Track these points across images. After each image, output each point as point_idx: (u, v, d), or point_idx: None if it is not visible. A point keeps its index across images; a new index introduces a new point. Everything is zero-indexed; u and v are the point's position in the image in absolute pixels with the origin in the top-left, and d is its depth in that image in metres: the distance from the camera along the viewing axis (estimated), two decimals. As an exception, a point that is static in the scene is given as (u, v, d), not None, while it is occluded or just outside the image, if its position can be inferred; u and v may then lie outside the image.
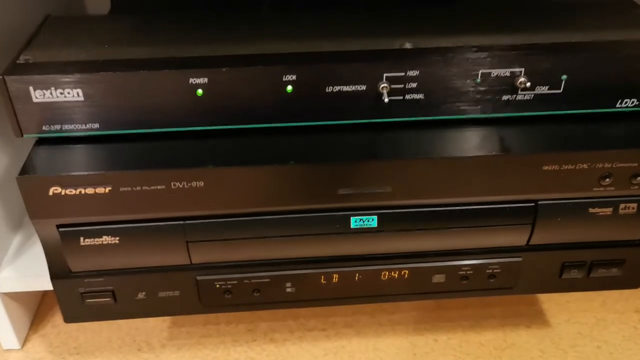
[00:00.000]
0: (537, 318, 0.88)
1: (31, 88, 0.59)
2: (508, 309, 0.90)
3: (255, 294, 0.69)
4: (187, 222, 0.63)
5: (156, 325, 0.87)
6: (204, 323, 0.87)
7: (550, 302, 0.91)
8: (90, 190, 0.59)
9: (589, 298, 0.91)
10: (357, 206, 0.64)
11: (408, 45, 0.63)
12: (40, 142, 0.62)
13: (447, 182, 0.63)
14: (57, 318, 0.89)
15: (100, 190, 0.59)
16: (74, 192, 0.59)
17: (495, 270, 0.69)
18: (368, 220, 0.64)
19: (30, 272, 0.78)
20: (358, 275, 0.70)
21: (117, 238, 0.63)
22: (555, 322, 0.87)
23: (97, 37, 0.66)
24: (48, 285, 0.78)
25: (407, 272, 0.70)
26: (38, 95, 0.59)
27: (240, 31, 0.67)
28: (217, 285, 0.68)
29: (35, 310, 0.89)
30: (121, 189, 0.59)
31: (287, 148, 0.62)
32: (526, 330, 0.86)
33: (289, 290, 0.69)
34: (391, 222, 0.65)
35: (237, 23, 0.69)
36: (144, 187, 0.60)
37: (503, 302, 0.90)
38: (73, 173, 0.59)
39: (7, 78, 0.58)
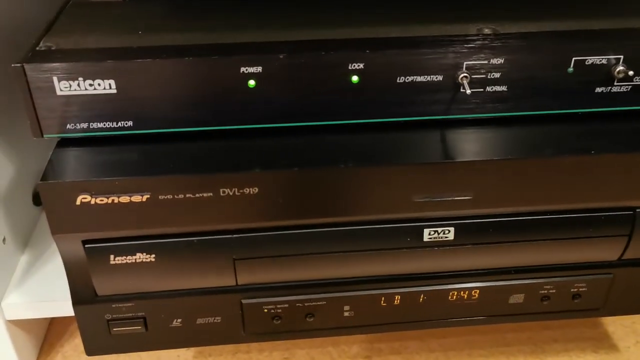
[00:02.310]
0: (604, 342, 0.80)
1: (55, 78, 0.50)
2: (570, 332, 0.81)
3: (308, 319, 0.60)
4: (235, 236, 0.54)
5: (180, 354, 0.78)
6: (233, 352, 0.78)
7: (615, 324, 0.83)
8: (125, 199, 0.50)
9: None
10: (432, 216, 0.55)
11: (487, 31, 0.55)
12: (63, 142, 0.53)
13: (534, 187, 0.54)
14: (68, 348, 0.79)
15: (136, 198, 0.50)
16: (105, 200, 0.50)
17: (581, 289, 0.61)
18: (444, 232, 0.56)
19: (39, 297, 0.71)
20: (423, 297, 0.61)
21: (153, 255, 0.54)
22: (623, 346, 0.79)
23: (127, 22, 0.57)
24: (59, 312, 0.70)
25: (477, 292, 0.61)
26: (63, 87, 0.50)
27: (295, 15, 0.58)
28: (265, 310, 0.59)
29: (42, 339, 0.80)
30: (161, 197, 0.51)
31: (353, 148, 0.53)
32: (594, 355, 0.78)
33: (347, 314, 0.60)
34: (470, 234, 0.56)
35: (290, 5, 0.60)
36: (187, 195, 0.51)
37: (563, 324, 0.82)
38: (105, 178, 0.49)
39: (26, 66, 0.49)
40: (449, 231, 0.56)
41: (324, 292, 0.59)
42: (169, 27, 0.56)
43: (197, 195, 0.51)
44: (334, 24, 0.56)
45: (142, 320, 0.58)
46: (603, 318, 0.83)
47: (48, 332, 0.81)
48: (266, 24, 0.56)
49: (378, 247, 0.56)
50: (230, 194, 0.51)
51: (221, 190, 0.51)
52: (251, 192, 0.51)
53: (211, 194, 0.51)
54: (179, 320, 0.58)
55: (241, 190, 0.51)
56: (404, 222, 0.55)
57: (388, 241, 0.56)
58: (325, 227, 0.54)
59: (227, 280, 0.56)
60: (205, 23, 0.57)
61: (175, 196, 0.51)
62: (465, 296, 0.61)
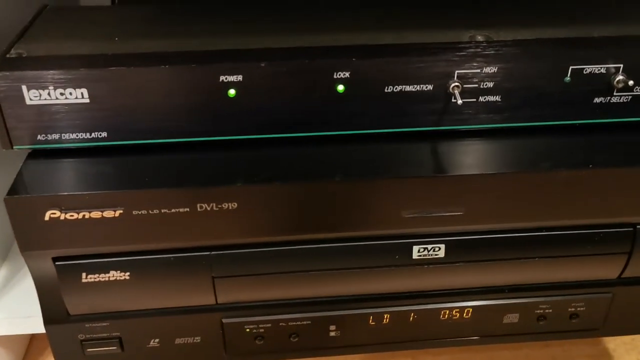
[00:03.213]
0: (604, 359, 0.77)
1: (24, 87, 0.47)
2: (569, 349, 0.79)
3: (292, 339, 0.57)
4: (214, 253, 0.51)
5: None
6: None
7: (615, 340, 0.80)
8: (96, 214, 0.47)
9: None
10: (422, 232, 0.52)
11: (480, 38, 0.52)
12: (35, 154, 0.51)
13: (529, 202, 0.52)
14: (48, 365, 0.77)
15: (108, 213, 0.48)
16: (75, 216, 0.47)
17: (579, 309, 0.58)
18: (434, 249, 0.53)
19: (18, 313, 0.67)
20: (413, 316, 0.58)
21: (128, 273, 0.51)
22: (624, 365, 0.76)
23: (104, 29, 0.55)
24: (38, 328, 0.67)
25: (470, 311, 0.58)
26: (33, 97, 0.48)
27: (278, 21, 0.56)
28: (247, 329, 0.56)
29: (23, 356, 0.77)
30: (135, 213, 0.48)
31: (338, 161, 0.51)
32: (594, 374, 0.75)
33: (332, 334, 0.57)
34: (461, 252, 0.54)
35: (273, 11, 0.58)
36: (163, 210, 0.48)
37: (563, 342, 0.79)
38: (75, 192, 0.47)
39: (-6, 74, 0.46)
40: (440, 248, 0.53)
41: (309, 312, 0.56)
42: (146, 34, 0.54)
43: (173, 210, 0.48)
44: (319, 31, 0.53)
45: (117, 340, 0.55)
46: (603, 335, 0.80)
47: (29, 348, 0.79)
48: (248, 31, 0.54)
49: (364, 265, 0.53)
50: (208, 209, 0.48)
51: (198, 205, 0.48)
52: (230, 208, 0.49)
53: (188, 209, 0.48)
54: (157, 340, 0.56)
55: (219, 206, 0.48)
56: (392, 238, 0.52)
57: (375, 259, 0.53)
58: (309, 243, 0.52)
59: (207, 299, 0.54)
60: (185, 29, 0.54)
61: (150, 211, 0.48)
62: (457, 316, 0.58)
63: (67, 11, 0.59)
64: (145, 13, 0.58)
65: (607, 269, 0.56)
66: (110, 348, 0.55)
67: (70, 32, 0.54)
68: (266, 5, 0.59)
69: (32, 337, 0.80)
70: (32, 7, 0.58)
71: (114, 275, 0.51)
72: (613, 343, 0.79)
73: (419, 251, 0.53)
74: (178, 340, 0.56)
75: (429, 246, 0.53)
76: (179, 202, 0.48)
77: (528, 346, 0.79)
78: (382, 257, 0.53)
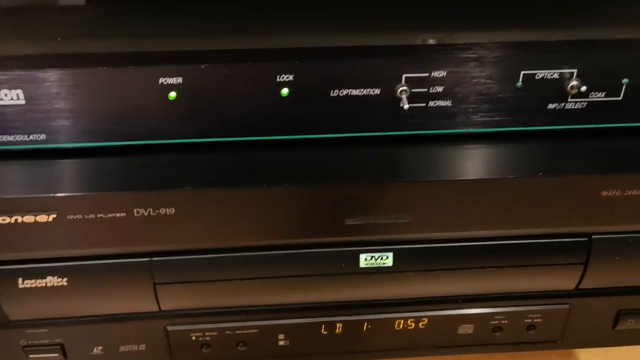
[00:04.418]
0: (575, 371, 0.75)
1: (-45, 88, 0.46)
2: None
3: (240, 347, 0.56)
4: (154, 259, 0.50)
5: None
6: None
7: (588, 352, 0.78)
8: (29, 218, 0.46)
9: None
10: (368, 240, 0.51)
11: (432, 41, 0.51)
12: (-29, 157, 0.50)
13: (480, 211, 0.50)
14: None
15: (42, 218, 0.46)
16: (8, 220, 0.46)
17: (535, 320, 0.57)
18: (381, 258, 0.52)
19: None
20: (367, 325, 0.57)
21: (65, 279, 0.50)
22: (595, 377, 0.74)
23: (50, 29, 0.54)
24: None
25: (426, 321, 0.57)
26: (-35, 98, 0.46)
27: (221, 22, 0.55)
28: (193, 337, 0.55)
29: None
30: (70, 217, 0.47)
31: (280, 166, 0.50)
32: (564, 387, 0.73)
33: (281, 343, 0.56)
34: (410, 260, 0.52)
35: (216, 12, 0.57)
36: (99, 215, 0.47)
37: (534, 354, 0.77)
38: (7, 196, 0.46)
39: None
40: (388, 257, 0.52)
41: (256, 320, 0.55)
42: (90, 35, 0.53)
43: (109, 215, 0.47)
44: (262, 32, 0.52)
45: (59, 347, 0.54)
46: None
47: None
48: (190, 32, 0.53)
49: (311, 273, 0.52)
50: (145, 214, 0.47)
51: (135, 210, 0.47)
52: (167, 213, 0.47)
53: (124, 214, 0.47)
54: (100, 347, 0.54)
55: (157, 211, 0.47)
56: (338, 246, 0.51)
57: (321, 267, 0.52)
58: (251, 251, 0.50)
59: (149, 306, 0.52)
60: (130, 30, 0.53)
61: (86, 216, 0.47)
62: (413, 325, 0.57)
63: (16, 10, 0.58)
64: (94, 14, 0.57)
65: (563, 280, 0.55)
66: (53, 355, 0.54)
67: (15, 32, 0.53)
68: (217, 8, 0.58)
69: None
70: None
71: (51, 280, 0.50)
72: (585, 354, 0.77)
73: (365, 259, 0.52)
74: (122, 348, 0.55)
75: (376, 255, 0.52)
76: (114, 207, 0.47)
77: (497, 357, 0.77)
78: (328, 265, 0.52)
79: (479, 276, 0.54)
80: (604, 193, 0.50)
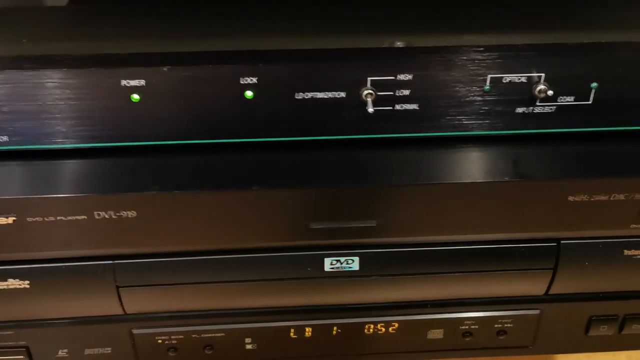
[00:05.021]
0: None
1: None
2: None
3: (207, 351, 0.55)
4: (117, 262, 0.49)
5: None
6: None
7: (569, 357, 0.77)
8: (-13, 221, 0.46)
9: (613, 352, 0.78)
10: (334, 244, 0.51)
11: (399, 44, 0.50)
12: None
13: (446, 215, 0.50)
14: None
15: (1, 220, 0.46)
16: (-33, 222, 0.46)
17: (506, 325, 0.56)
18: (347, 262, 0.51)
19: None
20: (336, 329, 0.56)
21: (27, 282, 0.49)
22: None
23: (18, 30, 0.53)
24: None
25: (396, 325, 0.56)
26: None
27: (184, 24, 0.54)
28: (159, 340, 0.54)
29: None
30: (29, 220, 0.46)
31: (244, 170, 0.49)
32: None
33: (249, 347, 0.56)
34: (376, 265, 0.52)
35: (180, 14, 0.56)
36: (59, 217, 0.47)
37: (511, 358, 0.77)
38: (-35, 198, 0.46)
39: None
40: (353, 261, 0.51)
41: (222, 323, 0.54)
42: (57, 36, 0.52)
43: (70, 218, 0.47)
44: (226, 35, 0.52)
45: (24, 349, 0.54)
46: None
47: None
48: (153, 34, 0.52)
49: (275, 277, 0.52)
50: (107, 217, 0.47)
51: (95, 213, 0.47)
52: (129, 216, 0.47)
53: (85, 217, 0.47)
54: (65, 350, 0.54)
55: (118, 214, 0.47)
56: (303, 250, 0.51)
57: (286, 270, 0.51)
58: (215, 254, 0.50)
59: (114, 309, 0.52)
60: (92, 32, 0.53)
61: (45, 219, 0.47)
62: (383, 330, 0.57)
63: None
64: (62, 15, 0.56)
65: (532, 285, 0.54)
66: (18, 357, 0.54)
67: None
68: (181, 10, 0.57)
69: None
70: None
71: (13, 283, 0.49)
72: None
73: (331, 263, 0.51)
74: (88, 351, 0.55)
75: (342, 259, 0.51)
76: (74, 209, 0.47)
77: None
78: (293, 269, 0.51)
79: (447, 281, 0.53)
80: (571, 198, 0.49)
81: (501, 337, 0.57)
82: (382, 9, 0.57)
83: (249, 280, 0.51)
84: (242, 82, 0.48)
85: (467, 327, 0.56)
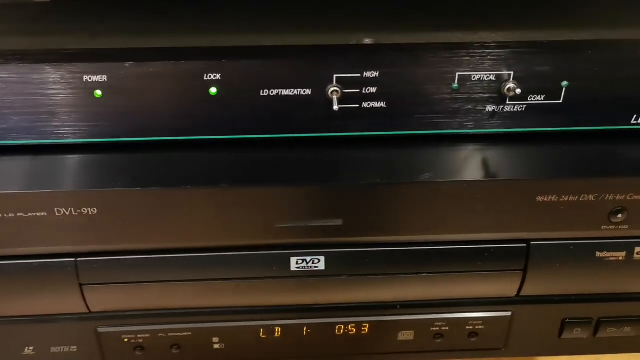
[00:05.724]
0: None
1: None
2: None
3: (174, 350, 0.55)
4: (79, 259, 0.49)
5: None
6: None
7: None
8: (-55, 217, 0.46)
9: (594, 356, 0.76)
10: (300, 243, 0.50)
11: (367, 41, 0.50)
12: None
13: (413, 215, 0.49)
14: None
15: (-41, 216, 0.46)
16: None
17: (477, 327, 0.55)
18: (313, 262, 0.51)
19: None
20: (306, 330, 0.56)
21: (-11, 279, 0.49)
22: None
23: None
24: None
25: (366, 326, 0.55)
26: None
27: (148, 20, 0.54)
28: (126, 339, 0.54)
29: None
30: (-11, 216, 0.46)
31: (209, 167, 0.49)
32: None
33: (216, 346, 0.55)
34: (342, 265, 0.51)
35: (143, 10, 0.56)
36: (19, 214, 0.46)
37: None
38: None
39: None
40: (319, 260, 0.51)
41: (189, 322, 0.54)
42: (21, 32, 0.52)
43: (30, 214, 0.46)
44: (190, 31, 0.51)
45: (-11, 346, 0.53)
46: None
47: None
48: (115, 30, 0.51)
49: (241, 276, 0.51)
50: (67, 213, 0.47)
51: (56, 209, 0.46)
52: (90, 213, 0.47)
53: (45, 214, 0.46)
54: (31, 348, 0.54)
55: (78, 210, 0.46)
56: (268, 249, 0.50)
57: (251, 270, 0.51)
58: (179, 252, 0.50)
59: (78, 307, 0.52)
60: (54, 27, 0.52)
61: (5, 215, 0.46)
62: (354, 331, 0.56)
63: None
64: (30, 12, 0.56)
65: (503, 287, 0.53)
66: (-17, 355, 0.54)
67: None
68: (144, 5, 0.57)
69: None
70: None
71: (-25, 280, 0.49)
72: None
73: (297, 263, 0.51)
74: (54, 349, 0.54)
75: (308, 258, 0.50)
76: (34, 206, 0.46)
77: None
78: (258, 268, 0.51)
79: (416, 281, 0.52)
80: (540, 198, 0.48)
81: (473, 339, 0.56)
82: (349, 5, 0.57)
83: (214, 279, 0.51)
84: (206, 78, 0.47)
85: (437, 328, 0.55)
